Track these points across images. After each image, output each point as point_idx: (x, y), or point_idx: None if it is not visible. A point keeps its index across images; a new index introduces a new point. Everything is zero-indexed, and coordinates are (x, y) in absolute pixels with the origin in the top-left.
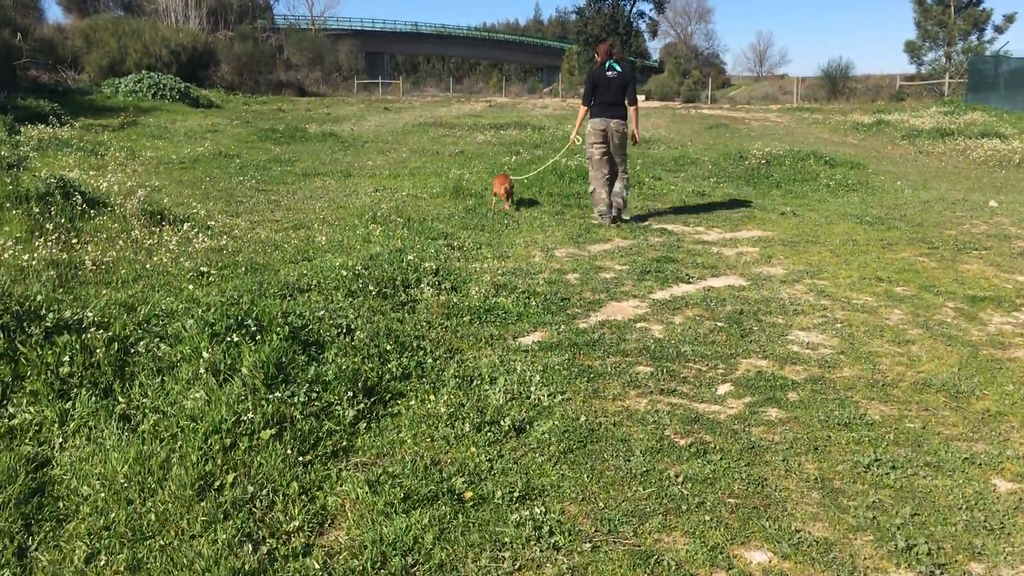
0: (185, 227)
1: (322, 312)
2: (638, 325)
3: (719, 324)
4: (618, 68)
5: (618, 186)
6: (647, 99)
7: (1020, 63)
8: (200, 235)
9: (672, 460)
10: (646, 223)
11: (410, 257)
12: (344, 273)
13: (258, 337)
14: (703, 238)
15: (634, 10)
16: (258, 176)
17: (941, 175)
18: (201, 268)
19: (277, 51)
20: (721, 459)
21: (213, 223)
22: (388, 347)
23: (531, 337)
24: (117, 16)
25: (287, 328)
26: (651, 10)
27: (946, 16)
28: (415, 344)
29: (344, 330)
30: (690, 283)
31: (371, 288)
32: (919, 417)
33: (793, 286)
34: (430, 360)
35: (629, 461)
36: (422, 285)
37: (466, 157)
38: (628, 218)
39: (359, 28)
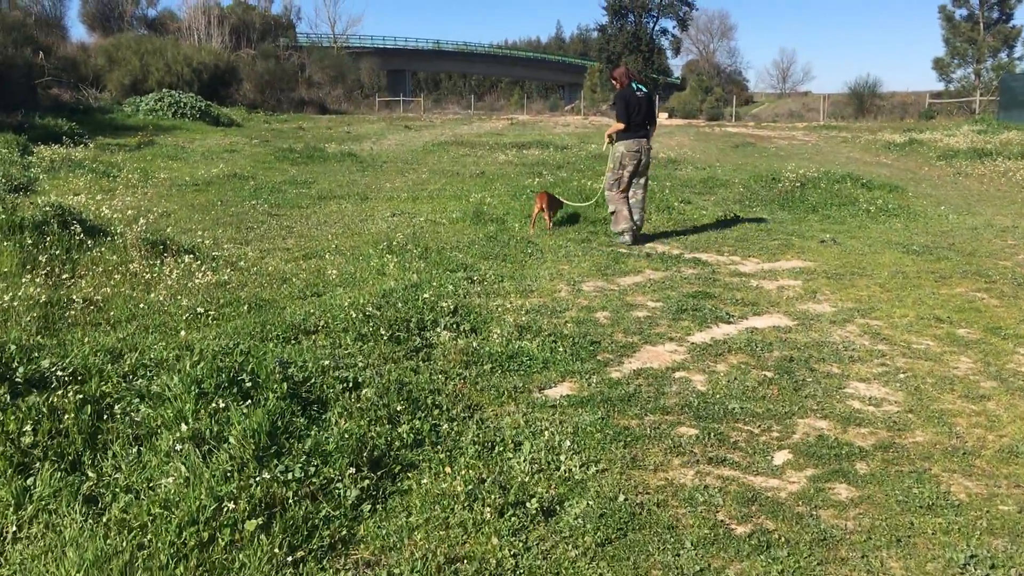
0: (187, 259)
1: (327, 362)
2: (677, 375)
3: (768, 374)
4: (644, 89)
5: (640, 196)
6: (670, 117)
7: None
8: (203, 268)
9: (730, 555)
10: (654, 243)
11: (426, 295)
12: (354, 314)
13: (253, 395)
14: (740, 269)
15: (657, 27)
16: (272, 199)
17: (985, 199)
18: (199, 308)
19: (299, 69)
20: (789, 555)
21: (219, 252)
22: (399, 406)
23: (559, 389)
24: (140, 35)
25: (285, 385)
26: (674, 27)
27: (975, 33)
28: (430, 401)
29: (350, 385)
30: (731, 323)
31: (383, 331)
32: (1011, 496)
33: (844, 327)
34: (446, 423)
35: (679, 556)
36: (439, 327)
37: (487, 179)
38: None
39: (381, 46)
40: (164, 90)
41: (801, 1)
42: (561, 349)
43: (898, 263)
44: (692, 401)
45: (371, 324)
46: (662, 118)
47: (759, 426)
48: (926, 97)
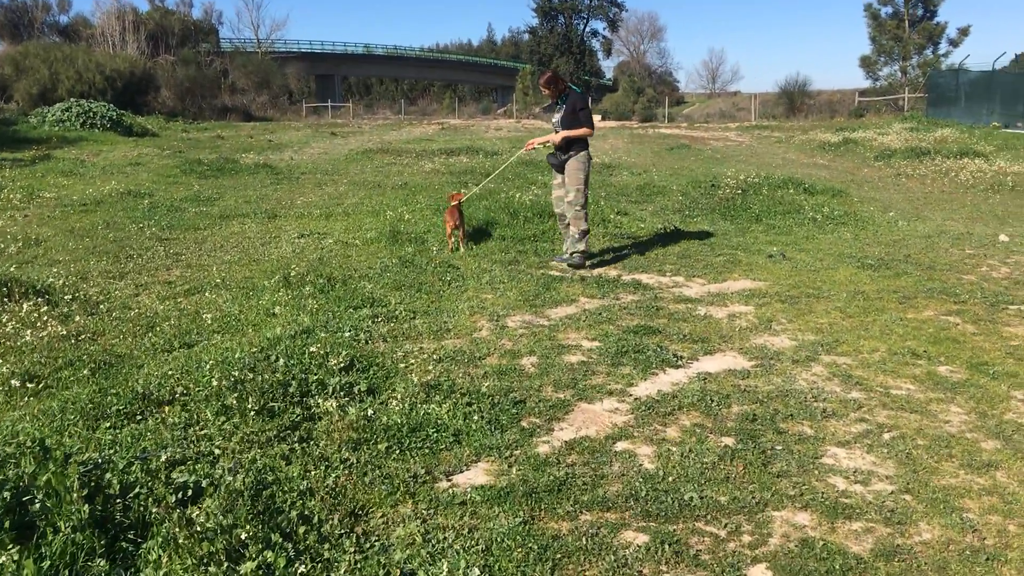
0: (31, 304)
1: (166, 455)
2: (619, 446)
3: (729, 442)
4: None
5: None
6: (603, 119)
7: (979, 76)
8: (48, 315)
9: None
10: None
11: (313, 348)
12: (215, 383)
13: (40, 526)
14: (685, 293)
15: (587, 29)
16: (166, 220)
17: (931, 202)
18: (18, 377)
19: (222, 75)
20: None
21: (80, 292)
22: (249, 528)
23: (472, 474)
24: (50, 42)
25: (88, 508)
26: (604, 29)
27: (901, 30)
28: (295, 514)
29: (190, 494)
30: (679, 367)
31: (252, 403)
32: None
33: (809, 367)
34: (315, 544)
35: None
36: (327, 391)
37: (410, 190)
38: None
39: (308, 50)
40: (72, 100)
41: (729, 1)
42: (477, 416)
43: (855, 281)
44: (639, 488)
45: (240, 391)
46: (596, 119)
47: (725, 525)
48: (855, 95)
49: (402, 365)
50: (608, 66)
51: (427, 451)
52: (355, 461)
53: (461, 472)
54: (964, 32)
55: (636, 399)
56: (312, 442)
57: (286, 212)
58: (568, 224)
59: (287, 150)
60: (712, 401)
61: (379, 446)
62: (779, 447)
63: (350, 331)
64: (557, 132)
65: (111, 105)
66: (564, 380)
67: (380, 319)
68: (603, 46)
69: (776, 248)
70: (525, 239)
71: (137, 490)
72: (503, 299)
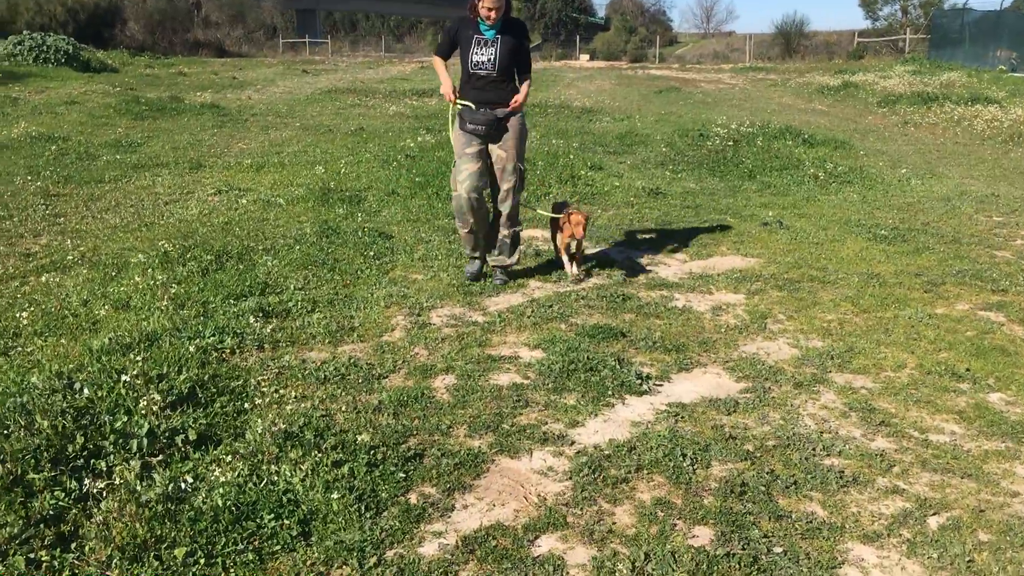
0: None
1: None
2: (542, 547)
3: (704, 541)
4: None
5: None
6: (591, 59)
7: (985, 16)
8: None
9: None
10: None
11: (135, 371)
12: None
13: None
14: (660, 274)
15: None
16: (68, 171)
17: (946, 156)
18: None
19: (194, 8)
20: None
21: None
22: None
23: None
24: None
25: None
26: None
27: None
28: None
29: None
30: (643, 392)
31: (8, 470)
32: None
33: (817, 394)
34: None
35: None
36: (128, 448)
37: (361, 138)
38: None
39: None
40: (25, 32)
41: None
42: (344, 485)
43: (867, 258)
44: None
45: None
46: (583, 60)
47: None
48: (853, 36)
49: (265, 392)
50: (600, 4)
51: (249, 558)
52: None
53: None
54: None
55: (580, 451)
56: (79, 543)
57: (214, 162)
58: (494, 221)
59: (249, 88)
60: (684, 456)
61: (175, 553)
62: (778, 549)
63: (214, 335)
64: (490, 76)
65: (70, 39)
66: (485, 416)
67: (266, 314)
68: None
69: (772, 213)
70: None
71: None
72: (433, 282)
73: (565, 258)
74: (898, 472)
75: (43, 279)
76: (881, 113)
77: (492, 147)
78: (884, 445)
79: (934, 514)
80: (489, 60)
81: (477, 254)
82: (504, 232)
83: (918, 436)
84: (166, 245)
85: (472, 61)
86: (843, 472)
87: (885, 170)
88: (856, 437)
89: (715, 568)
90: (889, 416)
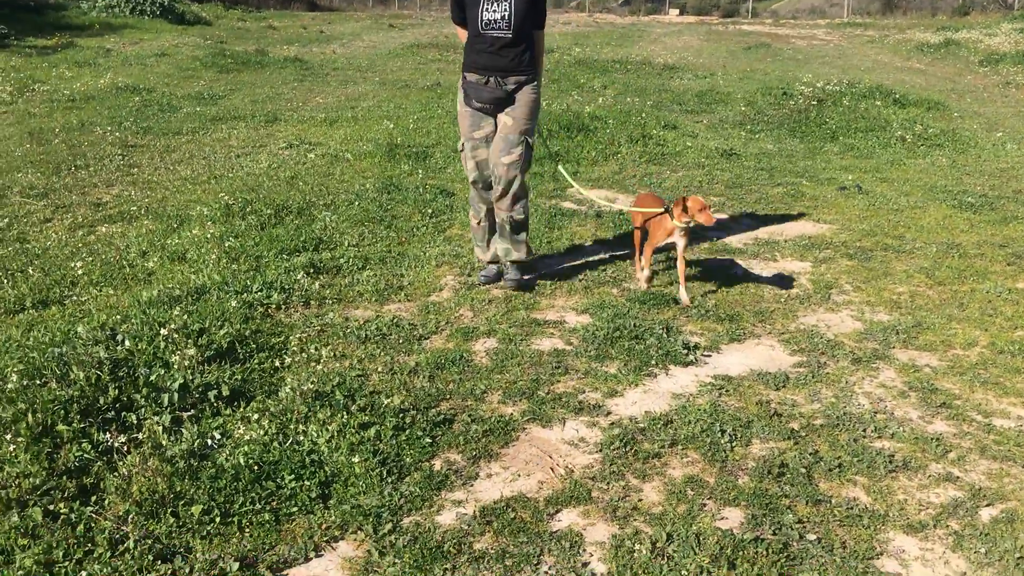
0: None
1: None
2: (562, 521)
3: (733, 524)
4: None
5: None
6: (681, 13)
7: None
8: None
9: None
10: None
11: (174, 325)
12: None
13: None
14: (724, 241)
15: None
16: (150, 122)
17: None
18: None
19: None
20: None
21: None
22: None
23: (316, 567)
24: None
25: None
26: None
27: None
28: None
29: None
30: (689, 363)
31: (25, 427)
32: None
33: (876, 372)
34: None
35: None
36: (159, 402)
37: (436, 94)
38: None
39: None
40: None
41: None
42: (369, 447)
43: (948, 226)
44: None
45: (24, 400)
46: (672, 15)
47: None
48: None
49: (304, 349)
50: None
51: (265, 519)
52: (131, 547)
53: (301, 563)
54: None
55: (614, 422)
56: (95, 502)
57: (290, 116)
58: (499, 201)
59: (334, 43)
60: (723, 432)
61: (192, 510)
62: (812, 536)
63: (261, 290)
64: (504, 38)
65: None
66: (521, 382)
67: (316, 270)
68: None
69: (851, 177)
70: (545, 158)
71: None
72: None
73: (645, 271)
74: (954, 458)
75: (107, 230)
76: (982, 72)
77: (500, 115)
78: (942, 428)
79: (987, 505)
80: (503, 18)
81: (489, 256)
82: (503, 215)
83: (981, 420)
84: (227, 199)
85: (483, 20)
86: (893, 456)
87: (979, 133)
88: (912, 419)
89: (740, 553)
90: (952, 397)
